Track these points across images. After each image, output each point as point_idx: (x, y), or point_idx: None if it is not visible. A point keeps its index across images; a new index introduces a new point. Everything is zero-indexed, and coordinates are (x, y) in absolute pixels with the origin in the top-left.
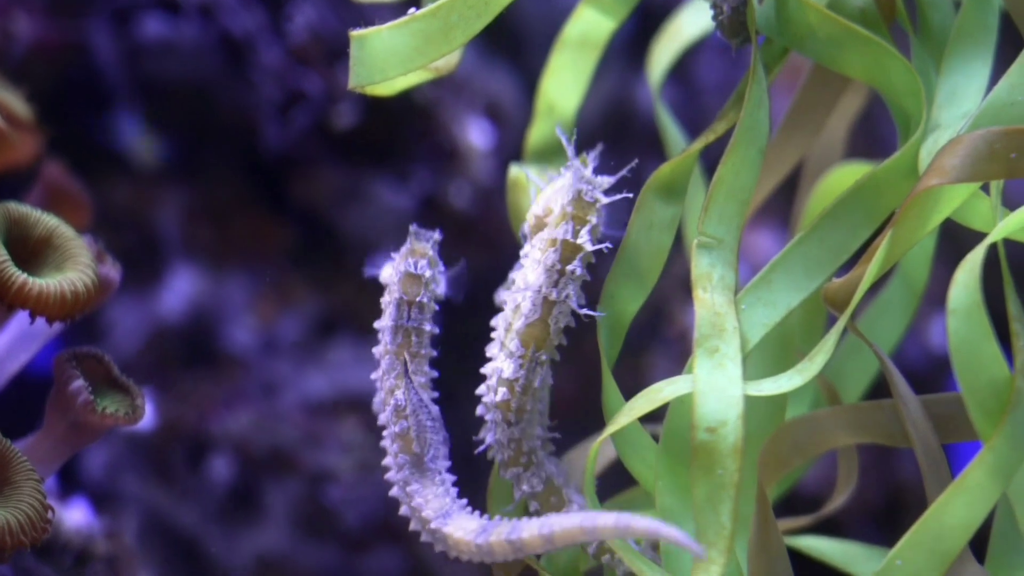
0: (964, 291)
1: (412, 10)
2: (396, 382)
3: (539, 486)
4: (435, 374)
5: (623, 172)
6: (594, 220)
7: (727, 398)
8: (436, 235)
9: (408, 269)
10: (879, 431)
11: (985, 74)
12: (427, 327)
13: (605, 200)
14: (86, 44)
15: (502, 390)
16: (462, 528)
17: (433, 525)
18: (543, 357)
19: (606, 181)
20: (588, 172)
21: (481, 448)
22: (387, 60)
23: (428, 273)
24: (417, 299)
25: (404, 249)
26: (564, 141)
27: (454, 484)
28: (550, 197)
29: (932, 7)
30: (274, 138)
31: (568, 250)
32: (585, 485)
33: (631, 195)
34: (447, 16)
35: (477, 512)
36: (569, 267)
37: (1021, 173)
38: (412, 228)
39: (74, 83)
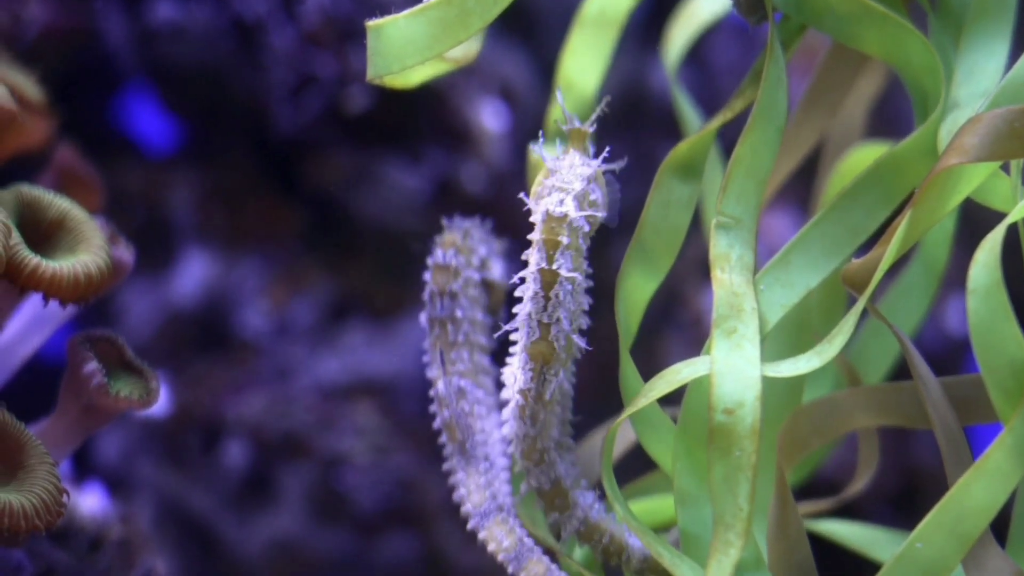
0: (984, 271)
1: None
2: (436, 372)
3: (546, 484)
4: (486, 362)
5: (601, 159)
6: (565, 240)
7: (745, 379)
8: (473, 224)
9: (436, 260)
10: (898, 413)
11: (1004, 52)
12: (460, 314)
13: (574, 211)
14: (97, 28)
15: (516, 396)
16: (495, 540)
17: (470, 525)
18: (551, 372)
19: (582, 173)
20: (563, 172)
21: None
22: (404, 49)
23: (455, 263)
24: (448, 288)
25: (437, 239)
26: (567, 116)
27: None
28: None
29: None
30: (286, 121)
31: (546, 277)
32: (603, 467)
33: (615, 167)
34: (464, 2)
35: (514, 518)
36: (553, 293)
37: None
38: (444, 221)
39: (85, 67)
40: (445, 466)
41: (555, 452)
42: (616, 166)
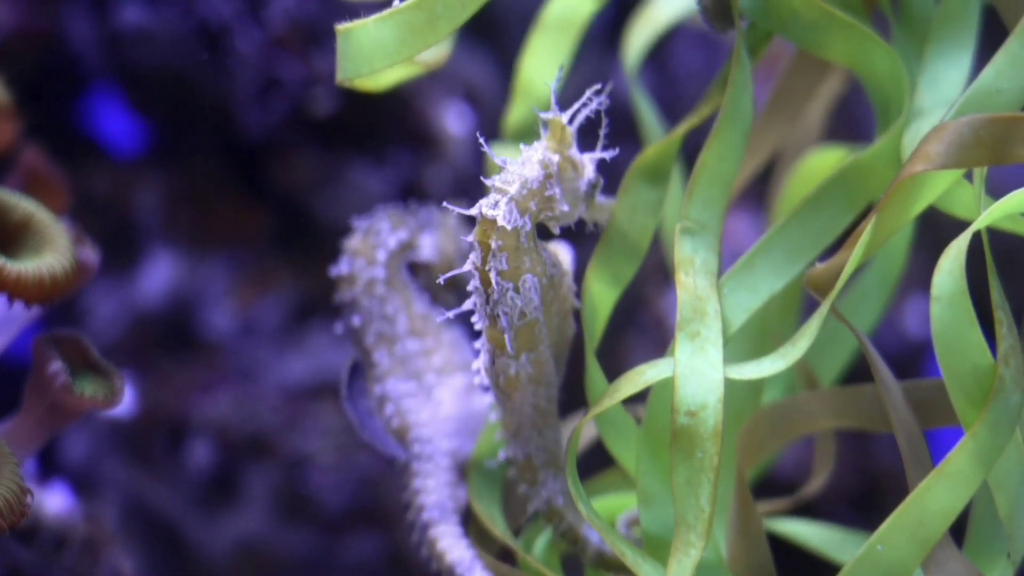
0: (948, 278)
1: (397, 2)
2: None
3: (520, 457)
4: (410, 346)
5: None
6: (494, 244)
7: (707, 382)
8: (389, 213)
9: (337, 271)
10: (859, 416)
11: (967, 61)
12: (357, 322)
13: (504, 216)
14: (64, 31)
15: (482, 378)
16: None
17: (424, 517)
18: (506, 357)
19: (525, 173)
20: (508, 170)
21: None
22: (373, 52)
23: (347, 270)
24: (347, 299)
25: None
26: (541, 117)
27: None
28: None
29: None
30: (252, 124)
31: (483, 276)
32: (567, 466)
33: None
34: (432, 7)
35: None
36: (489, 291)
37: (1006, 160)
38: (354, 221)
39: (52, 69)
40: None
41: (530, 429)
42: (606, 155)
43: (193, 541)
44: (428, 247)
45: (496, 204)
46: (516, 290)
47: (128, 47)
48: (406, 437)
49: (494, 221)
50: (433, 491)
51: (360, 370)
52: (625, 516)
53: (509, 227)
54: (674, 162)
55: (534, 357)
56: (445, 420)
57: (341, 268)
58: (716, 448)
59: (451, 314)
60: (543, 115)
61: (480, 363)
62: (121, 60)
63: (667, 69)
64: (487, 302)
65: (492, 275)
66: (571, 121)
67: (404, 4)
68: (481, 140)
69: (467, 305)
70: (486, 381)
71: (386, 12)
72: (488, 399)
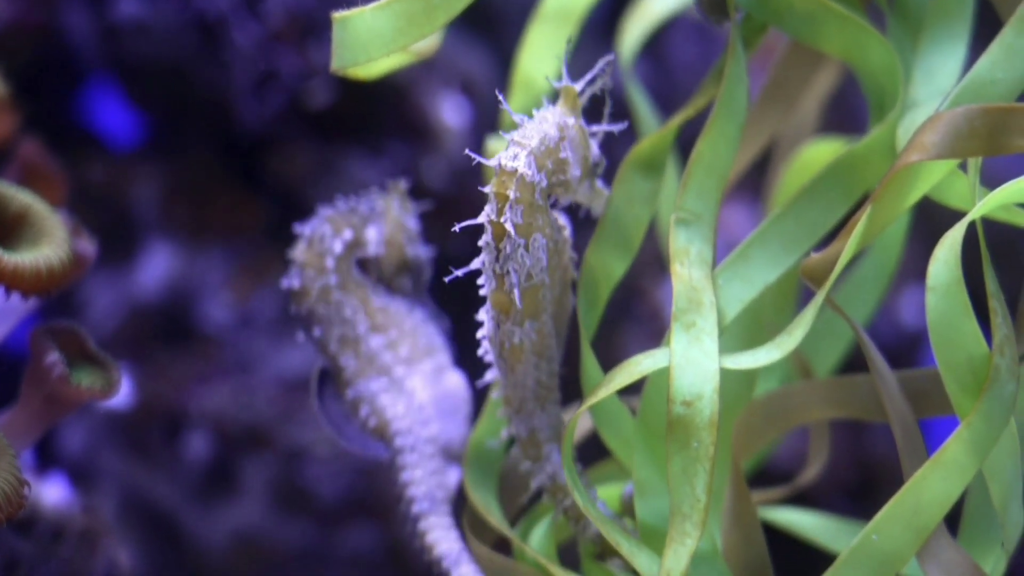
0: (944, 268)
1: None
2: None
3: (524, 433)
4: (373, 343)
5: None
6: (513, 195)
7: (703, 372)
8: (328, 214)
9: (289, 285)
10: (854, 405)
11: (961, 52)
12: (317, 333)
13: (525, 166)
14: (61, 23)
15: (486, 344)
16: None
17: (415, 509)
18: (513, 322)
19: (545, 129)
20: (527, 127)
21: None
22: (370, 41)
23: (295, 284)
24: (302, 312)
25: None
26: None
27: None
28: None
29: None
30: (249, 116)
31: (496, 230)
32: (563, 457)
33: (611, 129)
34: None
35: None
36: (502, 245)
37: (1001, 151)
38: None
39: (49, 62)
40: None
41: (533, 403)
42: (614, 128)
43: (190, 532)
44: (375, 241)
45: (516, 156)
46: (526, 248)
47: (125, 39)
48: (386, 433)
49: (513, 173)
50: (421, 482)
51: (329, 377)
52: (629, 488)
53: (528, 178)
54: (669, 153)
55: (537, 326)
56: (420, 408)
57: (292, 282)
58: (712, 438)
59: (461, 273)
60: (557, 84)
61: (484, 331)
62: (118, 52)
63: (663, 60)
64: (497, 259)
65: (508, 226)
66: (582, 93)
67: None
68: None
69: (475, 264)
70: (489, 352)
71: (384, 1)
72: (459, 379)
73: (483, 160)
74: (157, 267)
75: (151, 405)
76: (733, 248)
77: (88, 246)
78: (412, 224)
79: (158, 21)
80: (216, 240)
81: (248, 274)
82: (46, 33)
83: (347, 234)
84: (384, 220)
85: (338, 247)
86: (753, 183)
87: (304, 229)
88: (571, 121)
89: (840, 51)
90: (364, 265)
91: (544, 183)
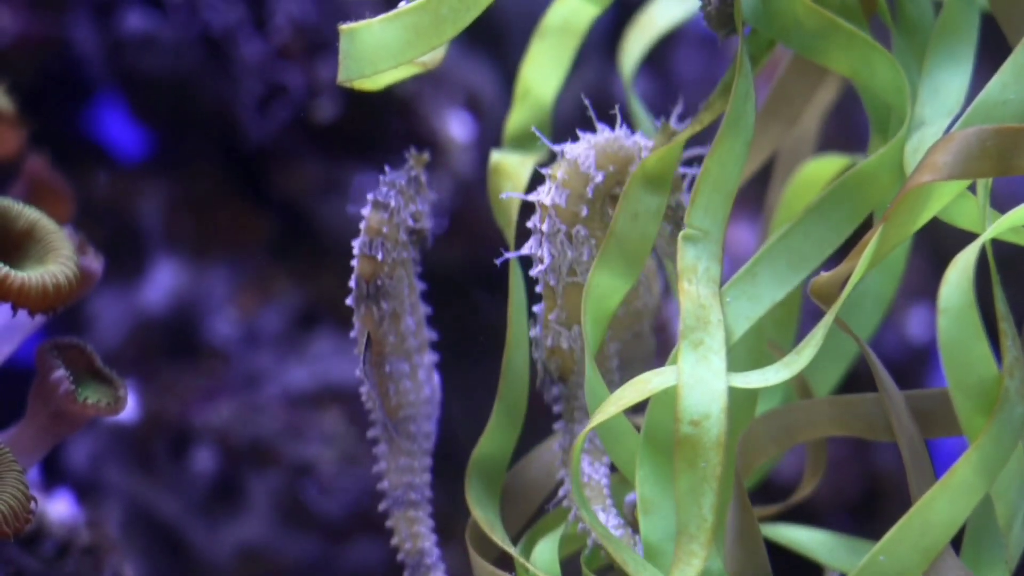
0: (956, 291)
1: (403, 3)
2: (359, 352)
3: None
4: (411, 323)
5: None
6: (560, 175)
7: (711, 391)
8: (401, 187)
9: (361, 249)
10: (858, 424)
11: (967, 72)
12: (385, 305)
13: (575, 150)
14: (68, 38)
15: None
16: (399, 535)
17: (382, 506)
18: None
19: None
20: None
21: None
22: (377, 54)
23: (379, 255)
24: (374, 278)
25: (362, 224)
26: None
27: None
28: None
29: (912, 3)
30: (255, 130)
31: (542, 211)
32: (571, 475)
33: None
34: (437, 9)
35: (427, 516)
36: (541, 222)
37: (1012, 171)
38: (369, 196)
39: (56, 76)
40: (370, 433)
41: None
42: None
43: (195, 547)
44: (427, 214)
45: (577, 145)
46: (568, 236)
47: (131, 54)
48: (397, 415)
49: (572, 160)
50: (419, 473)
51: (369, 346)
52: (630, 497)
53: (582, 165)
54: (675, 169)
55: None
56: (424, 402)
57: (375, 251)
58: (719, 458)
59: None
60: (674, 124)
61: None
62: (124, 67)
63: (667, 74)
64: (540, 242)
65: (548, 202)
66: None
67: (410, 5)
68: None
69: (525, 248)
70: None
71: (391, 13)
72: (438, 380)
73: (546, 141)
74: (163, 282)
75: (157, 420)
76: (733, 262)
77: (94, 263)
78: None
79: (164, 36)
80: (221, 255)
81: (253, 289)
82: (52, 47)
83: (412, 206)
84: (426, 193)
85: (409, 219)
86: (751, 198)
87: (387, 197)
88: (649, 146)
89: (847, 68)
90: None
91: (599, 179)
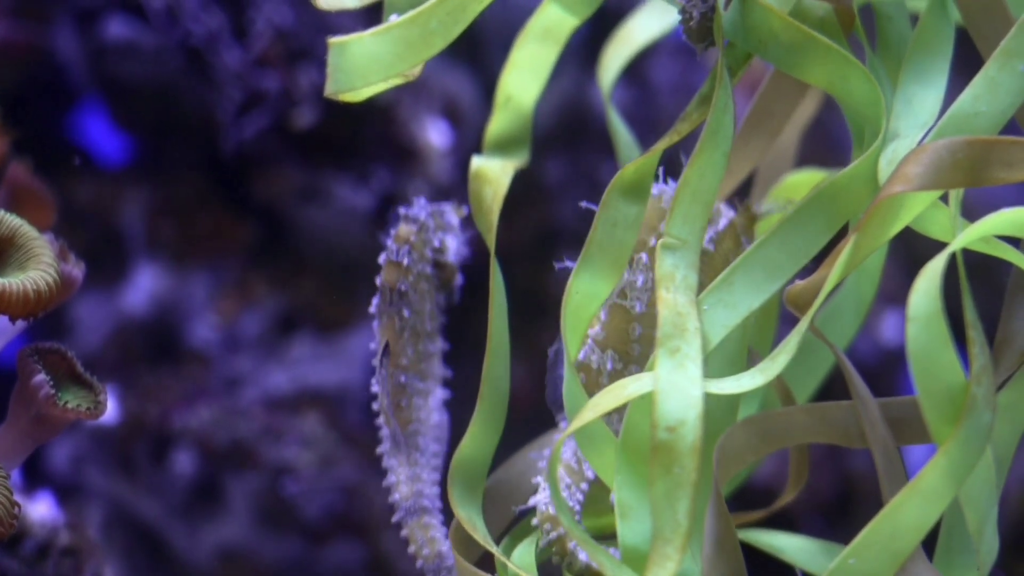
0: (924, 299)
1: (393, 17)
2: (377, 362)
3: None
4: (431, 347)
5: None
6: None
7: (687, 398)
8: (434, 209)
9: (389, 255)
10: (835, 432)
11: (942, 85)
12: (407, 313)
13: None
14: (49, 45)
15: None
16: (415, 543)
17: (395, 518)
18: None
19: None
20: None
21: None
22: (367, 67)
23: (406, 261)
24: (398, 287)
25: (391, 231)
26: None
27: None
28: None
29: (889, 20)
30: (235, 137)
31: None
32: (550, 481)
33: None
34: (427, 22)
35: (439, 522)
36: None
37: (982, 183)
38: (401, 209)
39: (38, 84)
40: (379, 449)
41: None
42: None
43: (175, 549)
44: (452, 251)
45: (664, 191)
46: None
47: (113, 61)
48: (407, 428)
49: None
50: (428, 483)
51: (387, 356)
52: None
53: (662, 202)
54: (653, 178)
55: (619, 361)
56: (434, 426)
57: (397, 255)
58: (695, 464)
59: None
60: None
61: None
62: (106, 74)
63: (644, 81)
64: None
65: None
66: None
67: (400, 19)
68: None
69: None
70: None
71: (382, 27)
72: (447, 421)
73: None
74: (143, 287)
75: (137, 423)
76: None
77: (75, 268)
78: (465, 250)
79: (146, 43)
80: (202, 260)
81: (234, 294)
82: (34, 55)
83: (440, 234)
84: (458, 235)
85: (436, 243)
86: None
87: (417, 213)
88: (731, 219)
89: (823, 82)
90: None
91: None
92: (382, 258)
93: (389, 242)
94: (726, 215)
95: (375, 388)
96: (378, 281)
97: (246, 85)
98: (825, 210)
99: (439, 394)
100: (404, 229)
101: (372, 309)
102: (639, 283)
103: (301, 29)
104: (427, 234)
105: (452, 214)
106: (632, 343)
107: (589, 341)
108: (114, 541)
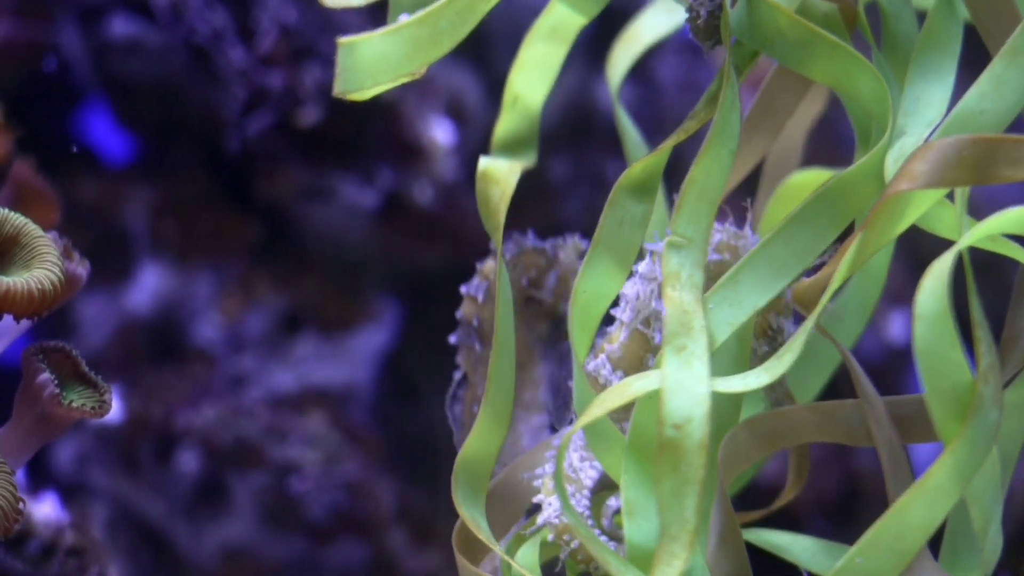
0: (931, 298)
1: (402, 17)
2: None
3: None
4: None
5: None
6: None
7: (694, 395)
8: (534, 247)
9: (468, 289)
10: (840, 430)
11: (949, 83)
12: (478, 348)
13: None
14: (53, 43)
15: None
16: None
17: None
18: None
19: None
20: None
21: None
22: (377, 67)
23: (481, 298)
24: (471, 320)
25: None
26: None
27: None
28: None
29: (895, 18)
30: (239, 135)
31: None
32: (556, 477)
33: None
34: (436, 22)
35: None
36: None
37: (988, 180)
38: (512, 238)
39: (42, 82)
40: None
41: None
42: None
43: (180, 549)
44: (549, 288)
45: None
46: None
47: (117, 59)
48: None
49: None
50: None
51: (464, 385)
52: (609, 504)
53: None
54: (660, 177)
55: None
56: (514, 455)
57: (477, 293)
58: (702, 461)
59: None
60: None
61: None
62: (110, 72)
63: (649, 79)
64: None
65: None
66: None
67: (410, 19)
68: None
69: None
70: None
71: (392, 27)
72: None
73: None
74: (148, 286)
75: (142, 422)
76: None
77: (79, 267)
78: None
79: (150, 41)
80: (206, 259)
81: (238, 293)
82: (38, 53)
83: (533, 272)
84: (560, 270)
85: (524, 281)
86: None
87: (506, 252)
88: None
89: (830, 79)
90: (527, 302)
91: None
92: (463, 289)
93: (474, 277)
94: (718, 231)
95: (450, 422)
96: (457, 315)
97: (250, 83)
98: (831, 208)
99: (535, 421)
100: (489, 265)
101: (452, 340)
102: (664, 314)
103: (306, 27)
104: (513, 271)
105: (568, 249)
106: (644, 369)
107: (603, 356)
108: (118, 540)
